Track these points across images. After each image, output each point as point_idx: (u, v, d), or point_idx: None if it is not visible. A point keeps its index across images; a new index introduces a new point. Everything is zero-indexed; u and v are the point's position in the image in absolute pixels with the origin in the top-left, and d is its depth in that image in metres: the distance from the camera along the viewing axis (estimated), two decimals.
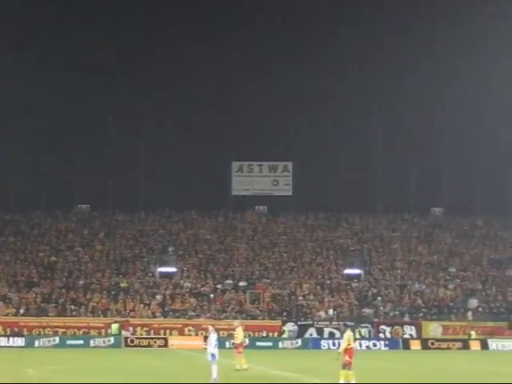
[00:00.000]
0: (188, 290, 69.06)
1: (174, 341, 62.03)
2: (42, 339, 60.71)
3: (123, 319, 63.69)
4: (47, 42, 78.83)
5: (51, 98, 77.87)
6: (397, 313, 67.88)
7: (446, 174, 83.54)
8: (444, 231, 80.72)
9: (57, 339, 60.77)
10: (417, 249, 77.26)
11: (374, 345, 62.99)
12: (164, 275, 71.12)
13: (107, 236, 76.92)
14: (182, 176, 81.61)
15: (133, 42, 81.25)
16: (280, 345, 62.54)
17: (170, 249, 75.02)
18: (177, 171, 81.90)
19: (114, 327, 62.42)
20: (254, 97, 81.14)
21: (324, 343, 62.49)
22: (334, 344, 59.44)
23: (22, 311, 64.62)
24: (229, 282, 70.34)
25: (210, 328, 36.07)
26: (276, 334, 64.49)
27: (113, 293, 67.72)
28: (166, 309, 66.53)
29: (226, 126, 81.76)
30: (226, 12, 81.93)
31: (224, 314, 65.92)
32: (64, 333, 62.10)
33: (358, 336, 59.39)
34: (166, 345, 61.56)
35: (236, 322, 42.62)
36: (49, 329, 62.43)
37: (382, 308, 68.30)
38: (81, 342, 60.92)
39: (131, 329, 63.01)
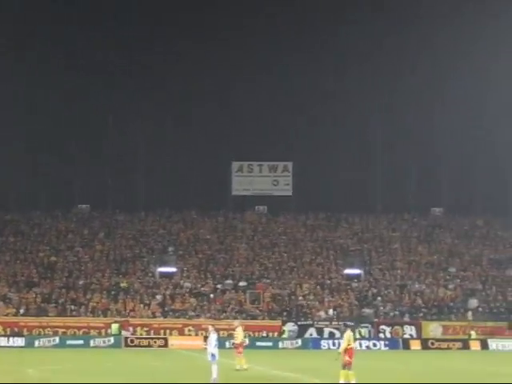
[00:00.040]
0: (188, 289, 69.04)
1: (174, 341, 61.99)
2: (42, 339, 60.68)
3: (123, 319, 63.66)
4: (47, 41, 78.88)
5: (51, 98, 77.88)
6: (397, 313, 67.85)
7: (445, 174, 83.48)
8: (444, 231, 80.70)
9: (57, 339, 60.75)
10: (417, 249, 77.24)
11: (374, 345, 62.95)
12: (164, 275, 71.11)
13: (107, 236, 76.91)
14: (182, 176, 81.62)
15: (133, 42, 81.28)
16: (280, 345, 62.50)
17: (170, 249, 75.01)
18: (177, 171, 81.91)
19: (114, 327, 62.40)
20: (254, 96, 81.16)
21: (324, 343, 62.46)
22: (334, 344, 59.40)
23: (22, 311, 64.60)
24: (229, 281, 70.33)
25: (210, 328, 36.07)
26: (276, 334, 64.45)
27: (113, 293, 67.71)
28: (166, 309, 66.51)
29: (226, 125, 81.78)
30: (226, 12, 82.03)
31: (224, 314, 65.90)
32: (64, 333, 62.08)
33: (357, 336, 59.35)
34: (166, 345, 61.51)
35: (236, 322, 42.62)
36: (49, 329, 62.40)
37: (382, 308, 68.28)
38: (81, 342, 60.90)
39: (131, 329, 62.99)
